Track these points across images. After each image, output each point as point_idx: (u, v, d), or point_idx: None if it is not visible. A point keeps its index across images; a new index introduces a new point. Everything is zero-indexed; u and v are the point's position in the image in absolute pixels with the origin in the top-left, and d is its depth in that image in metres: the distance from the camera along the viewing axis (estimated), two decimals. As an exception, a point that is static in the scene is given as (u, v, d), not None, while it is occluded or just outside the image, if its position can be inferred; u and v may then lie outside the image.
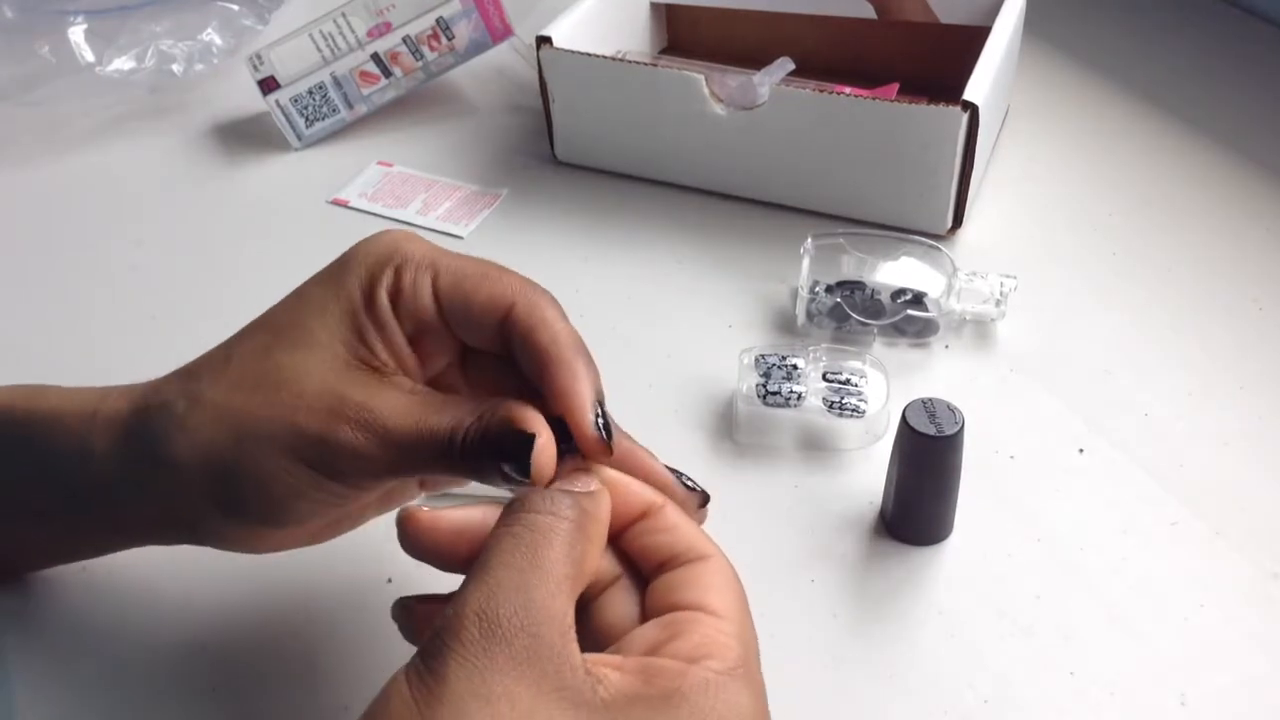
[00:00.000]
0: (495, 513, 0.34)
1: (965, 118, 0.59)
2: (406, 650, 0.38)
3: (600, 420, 0.35)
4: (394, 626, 0.42)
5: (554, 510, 0.32)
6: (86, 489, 0.39)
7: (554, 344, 0.36)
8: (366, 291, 0.37)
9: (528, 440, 0.34)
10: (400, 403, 0.36)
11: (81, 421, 0.39)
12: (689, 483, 0.38)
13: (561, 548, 0.31)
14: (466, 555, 0.33)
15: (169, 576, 0.47)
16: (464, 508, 0.34)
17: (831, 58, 0.75)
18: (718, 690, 0.31)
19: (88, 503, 0.40)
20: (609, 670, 0.31)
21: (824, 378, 0.53)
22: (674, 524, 0.36)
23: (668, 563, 0.35)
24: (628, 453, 0.37)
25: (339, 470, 0.35)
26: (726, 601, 0.34)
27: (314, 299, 0.37)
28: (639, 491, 0.36)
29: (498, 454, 0.34)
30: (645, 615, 0.35)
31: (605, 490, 0.34)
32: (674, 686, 0.30)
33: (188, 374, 0.38)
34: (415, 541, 0.34)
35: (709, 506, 0.39)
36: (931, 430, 0.45)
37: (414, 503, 0.38)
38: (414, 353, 0.38)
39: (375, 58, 0.74)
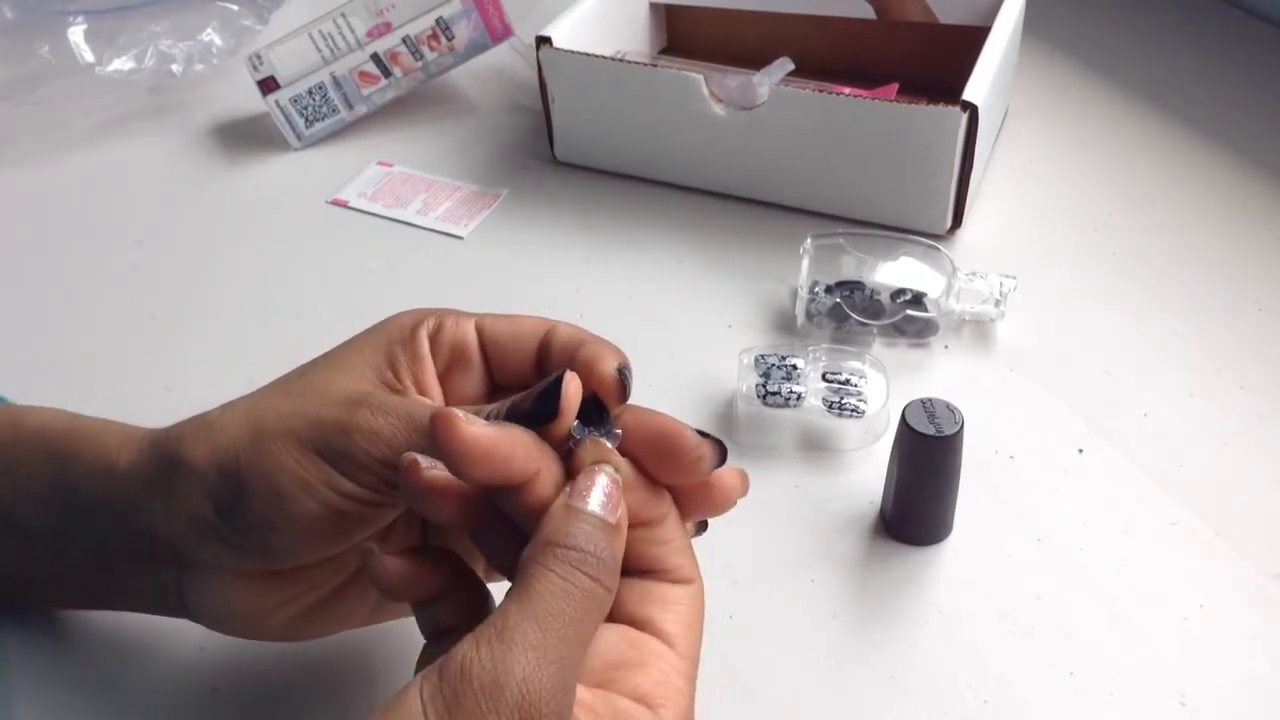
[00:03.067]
0: (525, 440, 0.34)
1: (965, 118, 0.59)
2: (405, 650, 0.38)
3: (621, 372, 0.36)
4: (394, 626, 0.42)
5: (599, 576, 0.32)
6: (86, 505, 0.39)
7: (589, 339, 0.38)
8: (407, 330, 0.39)
9: (556, 379, 0.34)
10: (423, 402, 0.38)
11: (118, 442, 0.40)
12: (701, 431, 0.36)
13: (595, 617, 0.32)
14: (490, 474, 0.33)
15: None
16: (497, 426, 0.33)
17: (831, 58, 0.75)
18: None
19: (77, 525, 0.40)
20: (587, 717, 0.32)
21: (824, 378, 0.53)
22: (670, 538, 0.36)
23: (651, 573, 0.36)
24: (641, 410, 0.37)
25: (354, 460, 0.35)
26: (690, 642, 0.36)
27: (356, 339, 0.40)
28: (650, 498, 0.36)
29: (523, 418, 0.34)
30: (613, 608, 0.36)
31: (624, 526, 0.34)
32: None
33: (230, 402, 0.40)
34: (449, 445, 0.33)
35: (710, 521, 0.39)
36: (931, 430, 0.45)
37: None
38: (441, 392, 0.40)
39: (375, 58, 0.74)
